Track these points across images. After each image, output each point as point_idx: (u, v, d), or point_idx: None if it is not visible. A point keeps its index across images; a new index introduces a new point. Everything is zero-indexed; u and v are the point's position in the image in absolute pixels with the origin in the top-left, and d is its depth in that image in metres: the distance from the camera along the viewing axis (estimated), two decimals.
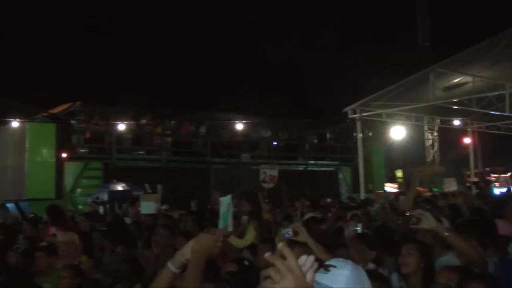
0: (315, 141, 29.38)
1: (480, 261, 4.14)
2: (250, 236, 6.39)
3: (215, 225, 7.96)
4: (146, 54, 31.51)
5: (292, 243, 4.25)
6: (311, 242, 4.63)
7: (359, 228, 4.93)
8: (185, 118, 24.36)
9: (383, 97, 18.55)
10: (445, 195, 13.94)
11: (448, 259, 4.44)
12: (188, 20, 33.42)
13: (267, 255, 1.72)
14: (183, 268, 2.92)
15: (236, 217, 6.55)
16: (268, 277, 1.68)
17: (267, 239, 5.55)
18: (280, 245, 1.77)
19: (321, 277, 2.14)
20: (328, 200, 16.69)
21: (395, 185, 28.84)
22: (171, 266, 2.93)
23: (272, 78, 35.39)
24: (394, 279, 4.44)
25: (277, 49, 32.69)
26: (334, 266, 2.26)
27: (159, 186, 17.56)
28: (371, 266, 4.69)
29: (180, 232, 6.92)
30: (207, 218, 9.16)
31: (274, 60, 32.19)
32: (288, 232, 4.72)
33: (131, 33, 32.08)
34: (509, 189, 20.26)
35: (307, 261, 1.77)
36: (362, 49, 34.96)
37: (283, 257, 1.70)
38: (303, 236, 4.67)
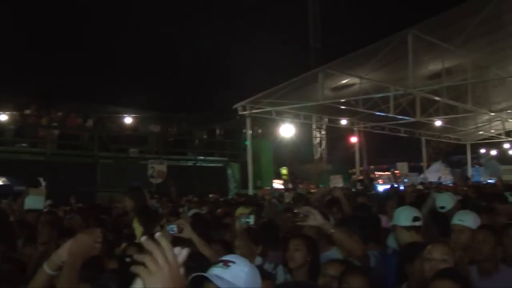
0: (205, 136, 29.17)
1: (362, 255, 4.27)
2: (138, 233, 6.10)
3: (102, 221, 7.62)
4: (31, 40, 29.96)
5: (176, 240, 4.31)
6: (195, 239, 4.64)
7: (251, 220, 4.78)
8: (72, 110, 23.34)
9: (273, 95, 18.61)
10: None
11: (332, 253, 4.60)
12: (75, 12, 32.20)
13: (143, 239, 1.67)
14: (59, 269, 2.85)
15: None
16: (142, 267, 1.62)
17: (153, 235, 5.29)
18: (143, 239, 1.68)
19: (222, 272, 2.22)
20: (212, 196, 16.62)
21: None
22: (47, 268, 2.87)
23: (163, 72, 34.90)
24: (280, 272, 4.50)
25: (169, 42, 32.25)
26: (234, 262, 2.32)
27: (41, 180, 16.62)
28: (258, 260, 4.66)
29: (64, 229, 6.45)
30: (93, 215, 8.73)
31: (165, 53, 31.74)
32: (172, 228, 4.68)
33: (14, 17, 30.36)
34: (392, 186, 21.06)
35: (180, 254, 1.72)
36: (255, 47, 35.20)
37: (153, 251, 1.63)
38: (188, 233, 4.68)
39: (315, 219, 4.18)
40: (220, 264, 2.30)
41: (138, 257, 1.65)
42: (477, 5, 13.98)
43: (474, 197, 9.62)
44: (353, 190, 18.60)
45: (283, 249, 4.67)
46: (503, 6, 13.70)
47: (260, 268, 3.10)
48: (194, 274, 2.19)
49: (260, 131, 28.36)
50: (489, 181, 31.64)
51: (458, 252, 3.94)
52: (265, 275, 3.10)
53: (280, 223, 6.84)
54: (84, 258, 2.91)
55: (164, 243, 1.67)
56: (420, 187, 18.27)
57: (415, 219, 4.96)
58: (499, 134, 32.40)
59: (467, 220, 5.06)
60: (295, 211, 4.94)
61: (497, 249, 4.53)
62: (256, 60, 32.57)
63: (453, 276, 3.25)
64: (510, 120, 28.11)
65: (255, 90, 19.82)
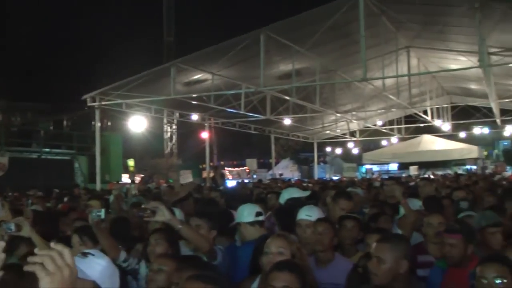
0: (51, 127, 27.69)
1: (209, 250, 4.36)
2: None
3: None
4: None
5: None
6: (35, 238, 4.54)
7: (102, 214, 4.53)
8: None
9: (124, 87, 17.95)
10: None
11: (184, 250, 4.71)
12: None
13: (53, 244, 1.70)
14: None
15: None
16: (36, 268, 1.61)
17: None
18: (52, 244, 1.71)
19: (78, 261, 2.15)
20: (56, 190, 15.86)
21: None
22: None
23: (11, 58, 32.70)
24: (142, 267, 4.54)
25: (14, 27, 30.30)
26: (93, 255, 2.40)
27: None
28: (122, 255, 4.53)
29: None
30: None
31: (13, 39, 29.79)
32: (9, 227, 4.33)
33: None
34: (242, 181, 21.36)
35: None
36: (108, 37, 34.12)
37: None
38: (26, 231, 4.51)
39: (162, 214, 4.14)
40: (79, 254, 2.38)
41: (35, 257, 1.64)
42: (327, 12, 14.42)
43: (319, 192, 9.91)
44: (203, 185, 18.59)
45: (145, 244, 4.75)
46: (351, 15, 14.24)
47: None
48: None
49: (109, 123, 27.49)
50: (333, 177, 33.31)
51: (296, 244, 4.01)
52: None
53: (131, 218, 6.88)
54: None
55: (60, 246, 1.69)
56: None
57: (258, 214, 5.18)
58: (344, 134, 34.14)
59: (314, 215, 5.25)
60: (142, 206, 4.95)
61: (334, 239, 4.84)
62: (109, 51, 31.56)
63: (288, 267, 3.28)
64: (354, 121, 29.64)
65: (105, 81, 19.06)
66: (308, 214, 5.32)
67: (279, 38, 15.36)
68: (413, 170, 31.49)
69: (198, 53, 16.60)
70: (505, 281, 3.16)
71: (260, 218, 5.17)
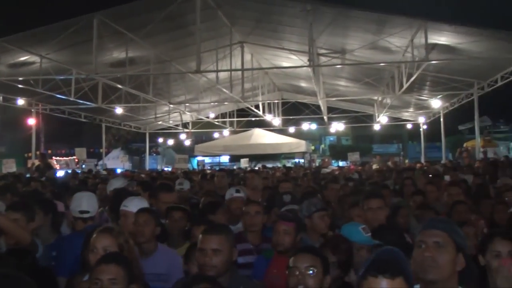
0: None
1: (29, 242, 4.30)
2: None
3: None
4: None
5: None
6: None
7: None
8: None
9: None
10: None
11: None
12: None
13: None
14: None
15: None
16: None
17: None
18: None
19: None
20: None
21: None
22: None
23: None
24: None
25: None
26: None
27: None
28: None
29: None
30: None
31: None
32: None
33: None
34: (74, 171, 20.51)
35: None
36: None
37: None
38: None
39: None
40: None
41: None
42: (163, 1, 14.38)
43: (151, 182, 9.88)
44: (28, 176, 17.66)
45: None
46: (187, 7, 14.31)
47: None
48: None
49: None
50: (165, 168, 33.28)
51: (123, 236, 3.94)
52: None
53: None
54: None
55: None
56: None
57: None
58: (177, 125, 34.20)
59: (131, 205, 5.31)
60: None
61: (156, 230, 4.84)
62: None
63: (115, 260, 3.28)
64: (187, 113, 29.80)
65: None
66: (125, 204, 5.36)
67: (113, 24, 14.98)
68: (244, 163, 32.35)
69: (25, 33, 15.62)
70: (316, 270, 3.37)
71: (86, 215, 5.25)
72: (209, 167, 33.47)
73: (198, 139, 43.25)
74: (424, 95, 25.85)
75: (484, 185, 9.93)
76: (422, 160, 29.80)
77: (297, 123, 36.33)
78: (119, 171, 24.67)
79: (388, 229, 4.70)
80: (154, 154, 42.99)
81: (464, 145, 29.32)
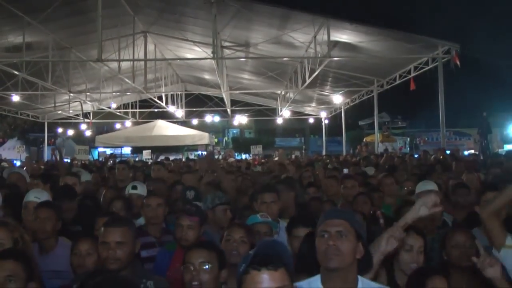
0: None
1: None
2: None
3: None
4: None
5: None
6: None
7: None
8: None
9: None
10: None
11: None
12: None
13: None
14: None
15: None
16: None
17: None
18: None
19: None
20: None
21: None
22: None
23: None
24: None
25: None
26: None
27: None
28: None
29: None
30: None
31: None
32: None
33: None
34: None
35: None
36: None
37: None
38: None
39: None
40: None
41: None
42: None
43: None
44: None
45: None
46: None
47: None
48: None
49: None
50: (65, 159, 32.18)
51: (19, 231, 3.84)
52: None
53: None
54: None
55: None
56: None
57: None
58: (77, 115, 33.28)
59: (42, 196, 5.20)
60: None
61: (58, 225, 4.71)
62: None
63: (13, 256, 3.16)
64: (88, 102, 29.06)
65: None
66: (36, 196, 5.19)
67: (8, 6, 14.31)
68: (146, 154, 31.98)
69: None
70: (211, 265, 3.39)
71: None
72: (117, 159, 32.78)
73: (100, 129, 42.23)
74: (326, 91, 26.63)
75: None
76: (324, 154, 30.69)
77: (200, 115, 36.39)
78: (18, 163, 23.59)
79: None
80: (53, 145, 41.47)
81: (364, 139, 30.49)
